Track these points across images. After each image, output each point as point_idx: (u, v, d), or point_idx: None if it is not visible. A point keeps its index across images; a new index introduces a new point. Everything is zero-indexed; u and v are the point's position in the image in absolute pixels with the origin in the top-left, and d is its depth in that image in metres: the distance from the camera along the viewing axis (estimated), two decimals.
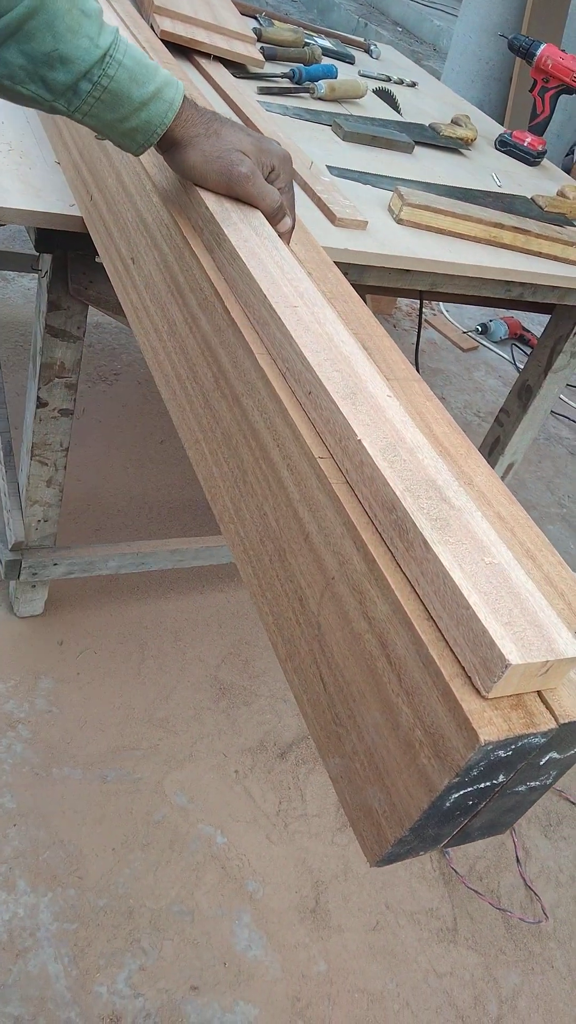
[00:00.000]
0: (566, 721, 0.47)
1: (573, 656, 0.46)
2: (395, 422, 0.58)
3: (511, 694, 0.46)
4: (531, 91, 2.02)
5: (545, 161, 2.06)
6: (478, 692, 0.45)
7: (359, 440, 0.54)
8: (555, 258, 1.54)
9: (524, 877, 1.65)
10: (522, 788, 0.52)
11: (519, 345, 3.37)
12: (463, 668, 0.46)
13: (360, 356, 0.63)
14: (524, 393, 1.92)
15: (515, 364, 3.29)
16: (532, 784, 0.52)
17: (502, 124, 2.93)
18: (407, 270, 1.38)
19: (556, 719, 0.47)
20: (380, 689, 0.51)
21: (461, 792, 0.48)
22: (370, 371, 0.62)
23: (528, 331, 3.36)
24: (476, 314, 3.49)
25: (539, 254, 1.53)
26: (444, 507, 0.52)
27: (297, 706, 0.59)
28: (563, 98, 2.02)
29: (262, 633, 1.91)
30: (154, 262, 0.81)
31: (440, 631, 0.48)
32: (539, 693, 0.48)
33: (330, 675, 0.57)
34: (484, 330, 3.33)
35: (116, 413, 2.32)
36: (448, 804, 0.49)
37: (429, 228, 1.44)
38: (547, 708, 0.47)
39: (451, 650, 0.47)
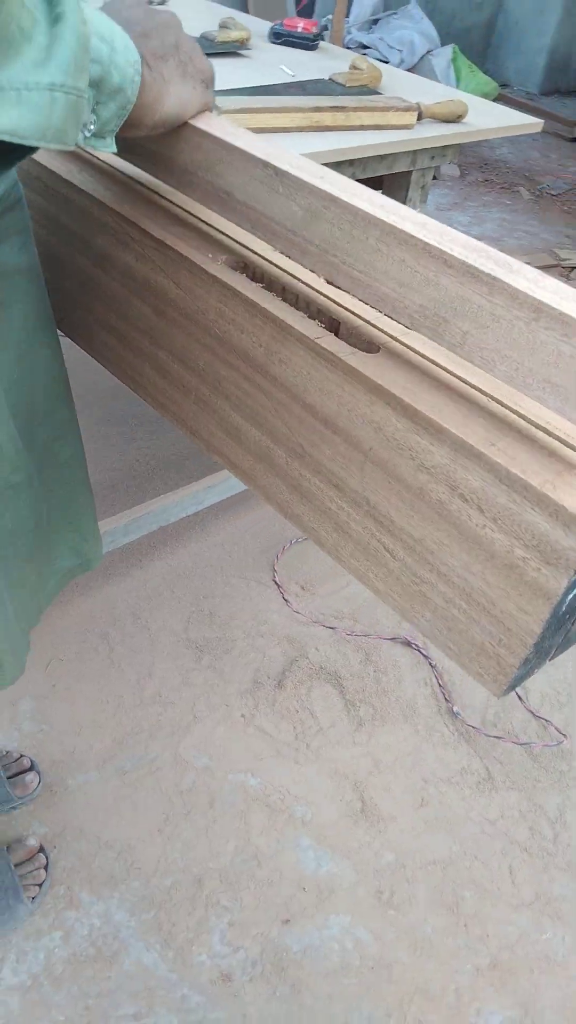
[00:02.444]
0: None
1: None
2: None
3: None
4: None
5: (323, 43, 2.05)
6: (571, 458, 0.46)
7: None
8: (377, 127, 1.55)
9: (531, 710, 1.75)
10: None
11: None
12: (548, 470, 0.48)
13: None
14: None
15: None
16: None
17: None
18: None
19: None
20: (461, 529, 0.53)
21: (573, 593, 0.50)
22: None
23: None
24: None
25: (361, 127, 1.53)
26: (499, 268, 0.50)
27: (366, 587, 0.59)
28: None
29: (216, 581, 1.91)
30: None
31: (568, 405, 0.47)
32: None
33: (395, 542, 0.57)
34: None
35: None
36: (564, 608, 0.51)
37: (251, 129, 1.41)
38: None
39: (534, 444, 0.48)
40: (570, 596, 0.50)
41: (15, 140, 0.47)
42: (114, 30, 0.54)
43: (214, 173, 0.62)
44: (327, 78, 1.74)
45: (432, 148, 1.66)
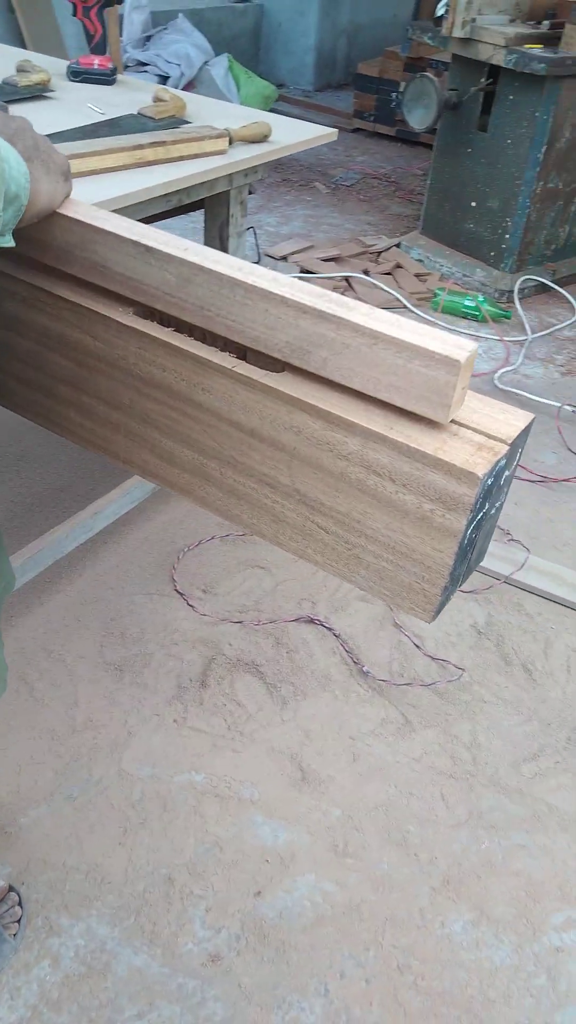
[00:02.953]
0: (510, 440, 0.64)
1: (475, 347, 0.62)
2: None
3: (472, 427, 0.62)
4: (75, 16, 2.06)
5: (121, 76, 2.14)
6: (449, 411, 0.60)
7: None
8: (194, 156, 1.67)
9: (429, 655, 1.94)
10: (493, 511, 0.70)
11: None
12: (436, 427, 0.62)
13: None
14: None
15: None
16: (497, 504, 0.70)
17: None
18: None
19: (504, 441, 0.64)
20: (378, 497, 0.66)
21: (470, 528, 0.65)
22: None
23: None
24: None
25: (180, 158, 1.64)
26: (340, 308, 0.64)
27: (295, 571, 0.72)
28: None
29: (119, 602, 1.97)
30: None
31: (400, 409, 0.62)
32: (472, 429, 0.64)
33: (326, 520, 0.70)
34: None
35: None
36: (465, 542, 0.65)
37: (82, 174, 1.50)
38: (491, 438, 0.64)
39: (418, 421, 0.62)
40: (469, 531, 0.65)
41: None
42: (5, 147, 0.63)
43: (89, 251, 0.72)
44: (136, 112, 1.84)
45: (246, 168, 1.80)
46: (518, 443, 0.65)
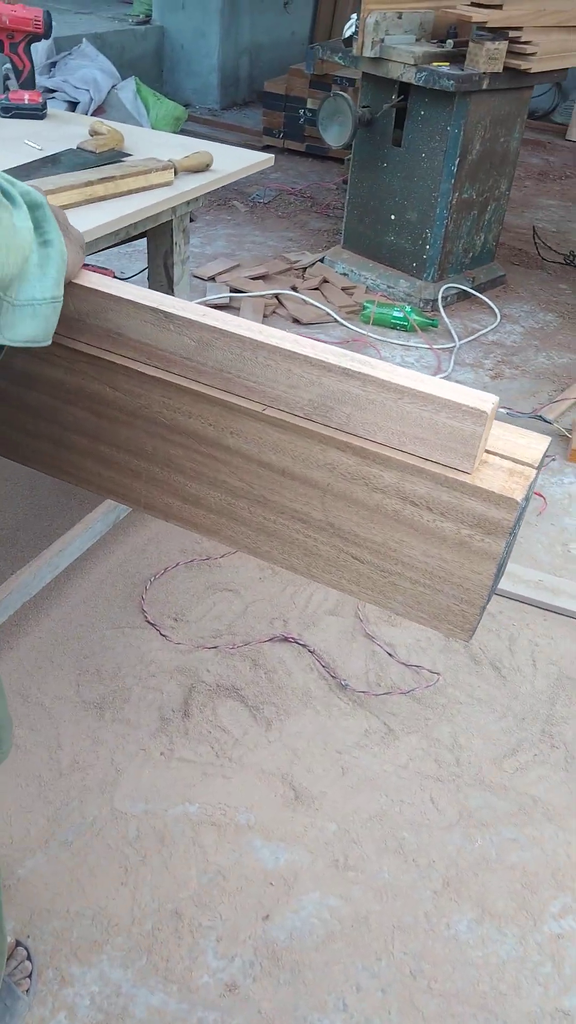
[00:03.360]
0: (536, 463, 0.68)
1: (496, 399, 0.66)
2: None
3: (501, 454, 0.66)
4: (2, 52, 2.04)
5: (52, 109, 2.13)
6: (475, 460, 0.64)
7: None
8: (142, 189, 1.68)
9: (403, 662, 1.99)
10: (516, 533, 0.74)
11: None
12: (466, 465, 0.65)
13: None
14: None
15: None
16: (518, 528, 0.74)
17: None
18: None
19: (531, 465, 0.68)
20: (415, 526, 0.69)
21: (506, 549, 0.68)
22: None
23: (88, 264, 3.46)
24: None
25: (129, 192, 1.65)
26: (364, 366, 0.67)
27: (347, 595, 0.74)
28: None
29: (91, 639, 1.95)
30: None
31: (435, 452, 0.65)
32: (500, 455, 0.68)
33: (360, 550, 0.73)
34: None
35: None
36: (501, 563, 0.69)
37: None
38: (518, 462, 0.68)
39: (450, 461, 0.65)
40: (504, 554, 0.68)
41: (31, 345, 0.57)
42: (55, 229, 0.64)
43: (103, 319, 0.73)
44: (75, 147, 1.83)
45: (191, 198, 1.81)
46: (541, 464, 0.69)
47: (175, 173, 1.74)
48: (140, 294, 0.70)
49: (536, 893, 1.57)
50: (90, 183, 1.56)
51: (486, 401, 0.62)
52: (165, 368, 0.71)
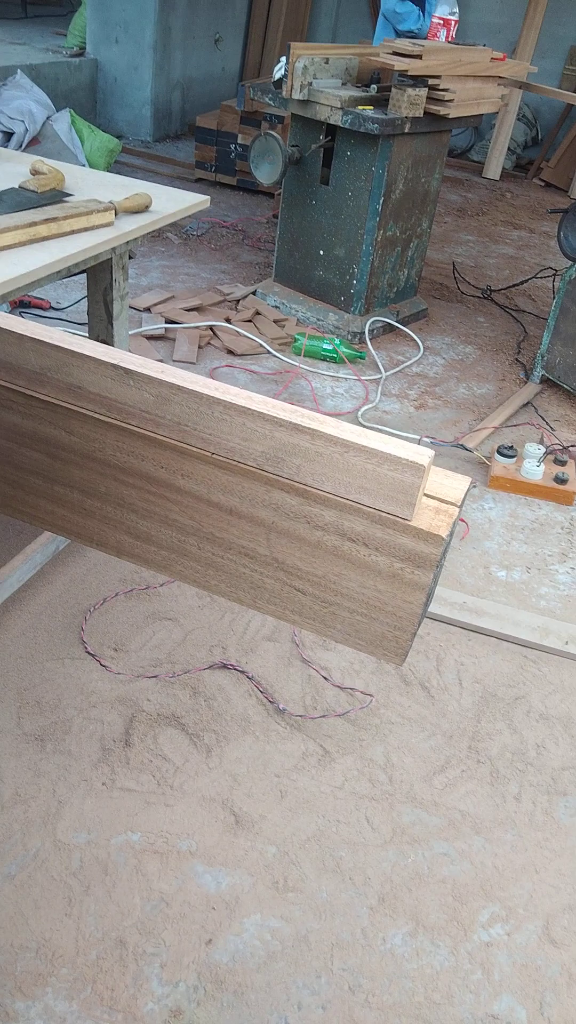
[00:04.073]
0: (459, 501, 0.76)
1: (432, 453, 0.73)
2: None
3: (427, 494, 0.73)
4: None
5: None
6: (415, 508, 0.71)
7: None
8: (84, 229, 1.73)
9: (337, 685, 2.05)
10: (444, 560, 0.81)
11: (27, 312, 3.48)
12: (406, 513, 0.72)
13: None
14: None
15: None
16: (444, 560, 0.81)
17: None
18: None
19: (455, 504, 0.75)
20: (352, 560, 0.75)
21: (433, 581, 0.75)
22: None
23: (26, 295, 3.47)
24: None
25: (72, 232, 1.70)
26: (313, 421, 0.74)
27: (287, 623, 0.80)
28: None
29: (31, 671, 1.95)
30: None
31: (378, 500, 0.72)
32: (429, 496, 0.76)
33: (303, 583, 0.79)
34: None
35: None
36: (429, 593, 0.76)
37: None
38: (443, 501, 0.75)
39: (392, 510, 0.72)
40: (433, 584, 0.75)
41: None
42: None
43: (64, 373, 0.78)
44: (17, 186, 1.87)
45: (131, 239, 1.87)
46: (463, 503, 0.76)
47: (115, 214, 1.79)
48: (101, 351, 0.75)
49: (466, 904, 1.64)
50: (34, 223, 1.60)
51: (423, 455, 0.69)
52: (124, 420, 0.76)
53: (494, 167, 7.11)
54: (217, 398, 0.72)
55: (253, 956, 1.52)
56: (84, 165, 4.94)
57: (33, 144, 4.71)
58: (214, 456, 0.75)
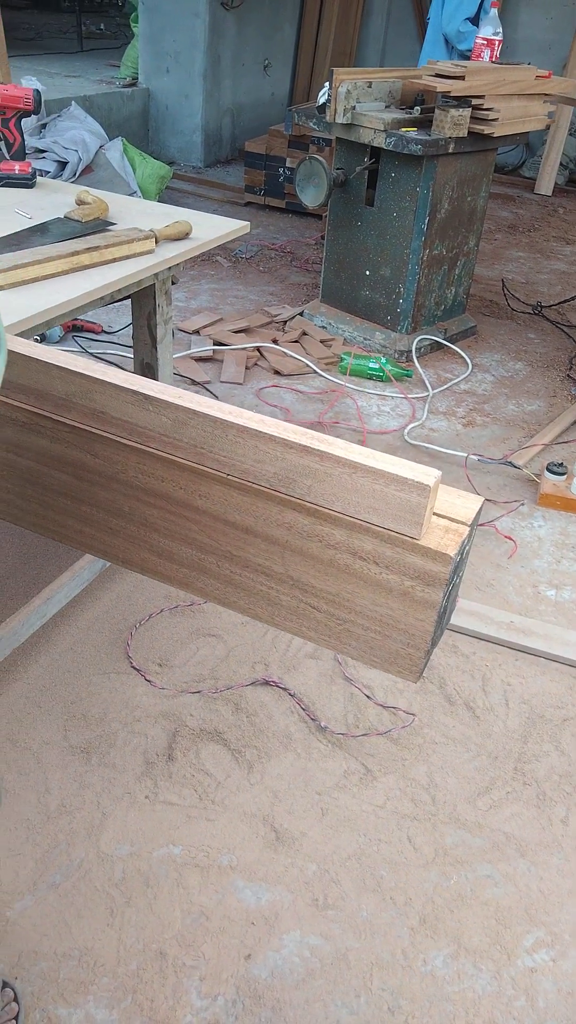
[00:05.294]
0: (470, 520, 0.77)
1: (439, 474, 0.74)
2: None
3: (438, 513, 0.74)
4: None
5: (42, 179, 2.25)
6: (423, 527, 0.73)
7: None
8: (126, 257, 1.79)
9: (380, 704, 2.05)
10: (457, 580, 0.82)
11: (80, 336, 3.59)
12: (414, 532, 0.74)
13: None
14: (148, 370, 2.18)
15: (87, 352, 3.52)
16: (460, 575, 0.82)
17: None
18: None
19: (465, 523, 0.76)
20: (364, 578, 0.77)
21: (445, 598, 0.76)
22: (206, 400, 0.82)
23: (77, 319, 3.58)
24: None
25: (113, 260, 1.76)
26: (322, 443, 0.76)
27: (304, 640, 0.82)
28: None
29: (78, 684, 2.00)
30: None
31: (387, 520, 0.74)
32: (439, 515, 0.77)
33: (317, 600, 0.80)
34: (43, 338, 3.47)
35: None
36: (442, 609, 0.77)
37: (25, 282, 1.59)
38: (453, 520, 0.77)
39: (400, 529, 0.74)
40: (444, 602, 0.76)
41: None
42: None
43: (88, 399, 0.82)
44: (63, 216, 1.94)
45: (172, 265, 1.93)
46: (475, 522, 0.77)
47: (156, 242, 1.85)
48: (123, 378, 0.78)
49: (510, 928, 1.62)
50: (76, 252, 1.66)
51: (430, 475, 0.71)
52: (144, 443, 0.80)
53: (546, 183, 7.05)
54: (231, 422, 0.74)
55: (292, 973, 1.52)
56: (136, 192, 5.08)
57: (87, 172, 4.86)
58: (229, 477, 0.78)
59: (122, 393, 0.78)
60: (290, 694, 2.04)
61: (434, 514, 0.75)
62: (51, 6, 10.66)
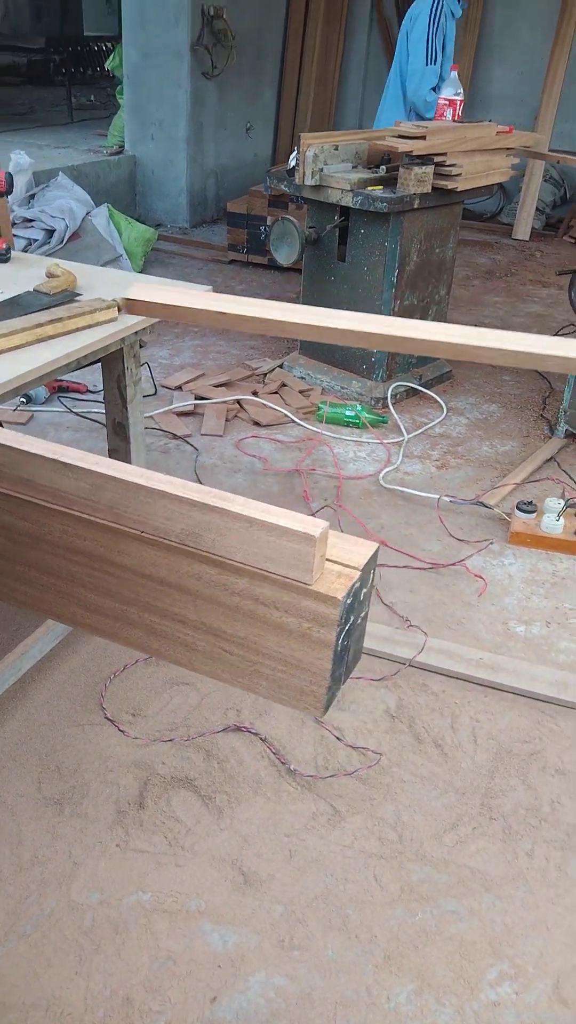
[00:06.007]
0: (361, 566, 0.84)
1: (326, 524, 0.82)
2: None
3: (332, 559, 0.81)
4: None
5: (17, 253, 2.38)
6: (313, 575, 0.80)
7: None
8: (89, 326, 1.89)
9: (349, 744, 2.10)
10: (360, 620, 0.89)
11: (65, 396, 3.71)
12: (307, 578, 0.81)
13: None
14: (119, 429, 2.28)
15: (71, 411, 3.63)
16: (362, 615, 0.89)
17: None
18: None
19: (356, 568, 0.84)
20: (267, 622, 0.84)
21: (341, 638, 0.83)
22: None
23: (61, 380, 3.71)
24: None
25: (77, 330, 1.87)
26: (221, 501, 0.84)
27: (219, 683, 0.88)
28: None
29: (53, 736, 2.06)
30: None
31: (282, 568, 0.81)
32: (332, 561, 0.84)
33: (228, 643, 0.87)
34: (28, 399, 3.59)
35: None
36: (339, 649, 0.84)
37: None
38: (345, 566, 0.84)
39: (295, 576, 0.81)
40: (340, 640, 0.83)
41: None
42: None
43: (17, 468, 0.90)
44: (32, 289, 2.06)
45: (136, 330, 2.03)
46: (368, 567, 0.84)
47: (119, 310, 1.96)
48: (46, 448, 0.87)
49: (473, 962, 1.65)
50: (40, 324, 1.77)
51: (317, 527, 0.79)
52: (67, 506, 0.88)
53: (523, 228, 7.27)
54: (140, 484, 0.82)
55: (257, 1014, 1.55)
56: (122, 255, 5.26)
57: (74, 239, 5.04)
58: (143, 534, 0.85)
59: (46, 463, 0.86)
60: (261, 739, 2.09)
61: (328, 560, 0.82)
62: (44, 81, 11.09)
